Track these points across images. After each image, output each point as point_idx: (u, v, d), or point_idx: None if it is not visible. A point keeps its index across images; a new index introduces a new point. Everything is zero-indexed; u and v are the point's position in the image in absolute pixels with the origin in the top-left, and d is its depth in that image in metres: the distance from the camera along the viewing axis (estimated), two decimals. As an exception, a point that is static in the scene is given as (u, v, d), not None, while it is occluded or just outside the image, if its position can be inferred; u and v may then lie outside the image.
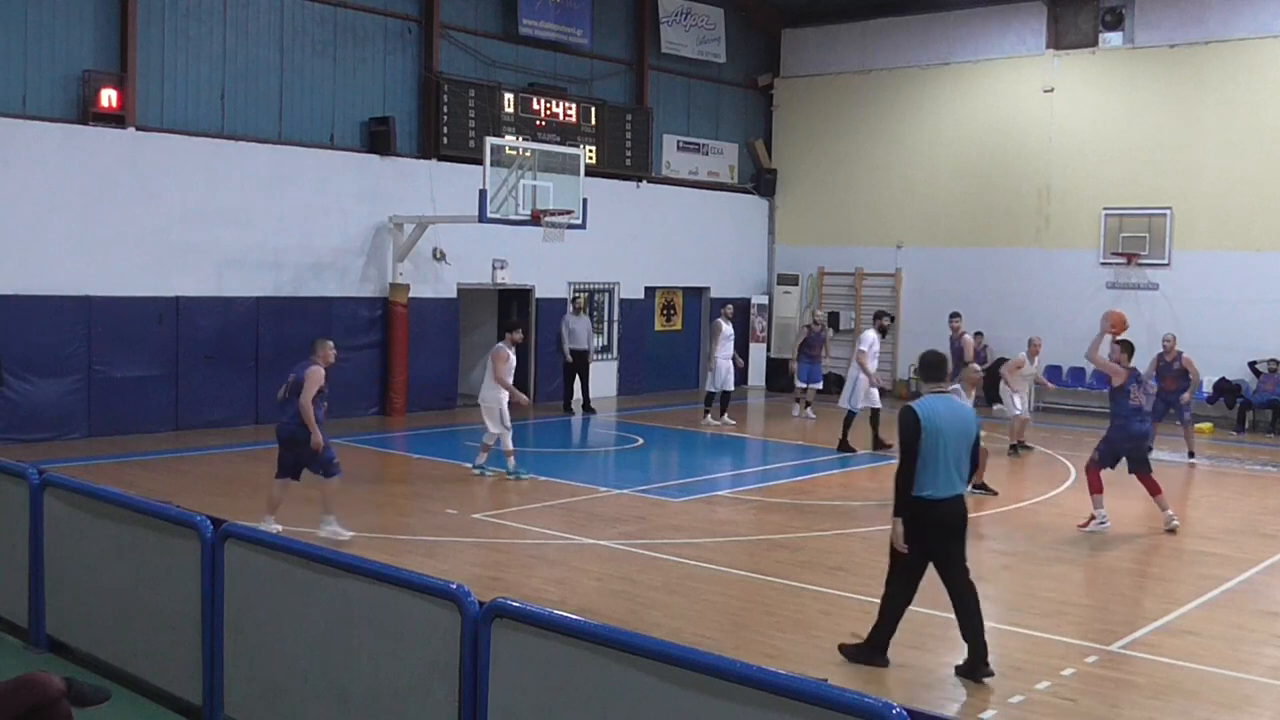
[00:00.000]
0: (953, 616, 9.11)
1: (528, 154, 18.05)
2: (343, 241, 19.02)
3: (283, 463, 10.84)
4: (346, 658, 5.39)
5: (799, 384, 21.18)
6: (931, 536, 7.59)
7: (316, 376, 10.48)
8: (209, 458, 15.23)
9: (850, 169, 25.56)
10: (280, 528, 10.44)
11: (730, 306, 20.56)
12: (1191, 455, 17.14)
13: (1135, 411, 12.07)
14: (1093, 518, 12.15)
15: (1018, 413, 17.20)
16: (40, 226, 15.76)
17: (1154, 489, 12.23)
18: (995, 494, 13.83)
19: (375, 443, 16.99)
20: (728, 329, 19.69)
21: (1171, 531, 12.04)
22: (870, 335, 17.10)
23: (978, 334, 23.37)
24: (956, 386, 10.70)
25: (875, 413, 16.82)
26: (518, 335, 14.26)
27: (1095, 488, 12.20)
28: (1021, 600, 9.76)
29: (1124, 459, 12.24)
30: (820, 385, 21.25)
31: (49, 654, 7.15)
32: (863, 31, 25.41)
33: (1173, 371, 16.92)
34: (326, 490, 10.80)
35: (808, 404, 20.93)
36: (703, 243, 25.08)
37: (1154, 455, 17.61)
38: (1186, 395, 16.98)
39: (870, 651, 7.77)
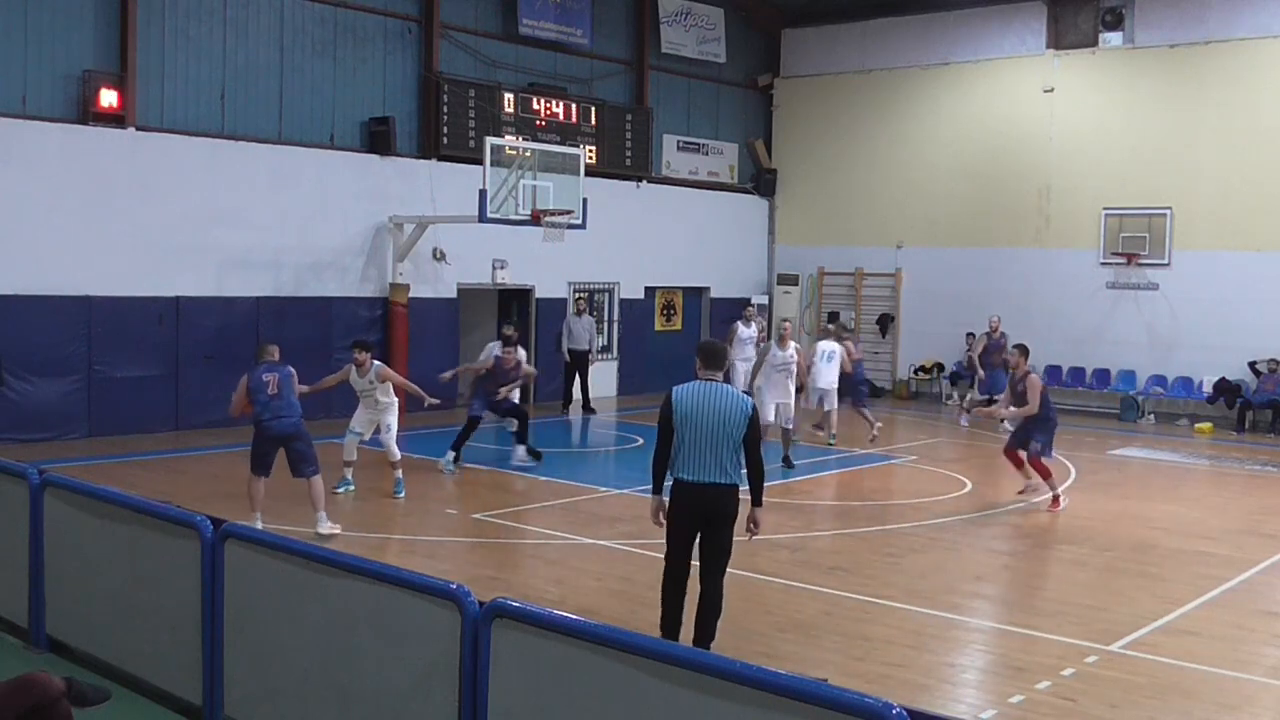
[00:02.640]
0: (952, 616, 9.15)
1: (528, 154, 18.04)
2: (343, 241, 19.02)
3: (266, 461, 10.90)
4: (346, 658, 5.39)
5: (979, 394, 20.03)
6: (690, 518, 7.56)
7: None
8: (209, 458, 15.22)
9: (850, 169, 25.56)
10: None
11: (752, 308, 20.10)
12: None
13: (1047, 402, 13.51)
14: (1026, 489, 13.52)
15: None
16: (40, 226, 15.75)
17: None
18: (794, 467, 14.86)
19: (375, 443, 16.90)
20: (745, 331, 19.59)
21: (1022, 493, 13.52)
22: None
23: (970, 334, 23.40)
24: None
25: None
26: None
27: (1045, 472, 13.29)
28: (1021, 600, 9.77)
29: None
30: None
31: (49, 654, 7.14)
32: (863, 31, 25.41)
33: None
34: (315, 488, 10.91)
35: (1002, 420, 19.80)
36: (703, 243, 25.09)
37: (1154, 455, 17.73)
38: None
39: None
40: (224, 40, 17.68)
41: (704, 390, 7.52)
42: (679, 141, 24.92)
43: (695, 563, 7.74)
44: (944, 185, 24.22)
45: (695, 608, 7.70)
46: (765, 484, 7.83)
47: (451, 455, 14.67)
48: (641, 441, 17.81)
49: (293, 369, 11.04)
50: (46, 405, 15.76)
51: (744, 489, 7.62)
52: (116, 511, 6.76)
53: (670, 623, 7.70)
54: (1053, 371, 22.83)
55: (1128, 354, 22.23)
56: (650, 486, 7.91)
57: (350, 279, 19.11)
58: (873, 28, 25.23)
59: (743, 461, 7.52)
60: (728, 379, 8.97)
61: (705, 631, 7.65)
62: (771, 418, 14.83)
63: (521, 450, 15.14)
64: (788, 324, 15.98)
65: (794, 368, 15.12)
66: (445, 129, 20.16)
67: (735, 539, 7.73)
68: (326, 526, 10.93)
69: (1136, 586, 10.07)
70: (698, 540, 7.67)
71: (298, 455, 10.83)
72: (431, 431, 15.88)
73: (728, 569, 7.78)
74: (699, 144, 25.36)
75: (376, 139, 19.31)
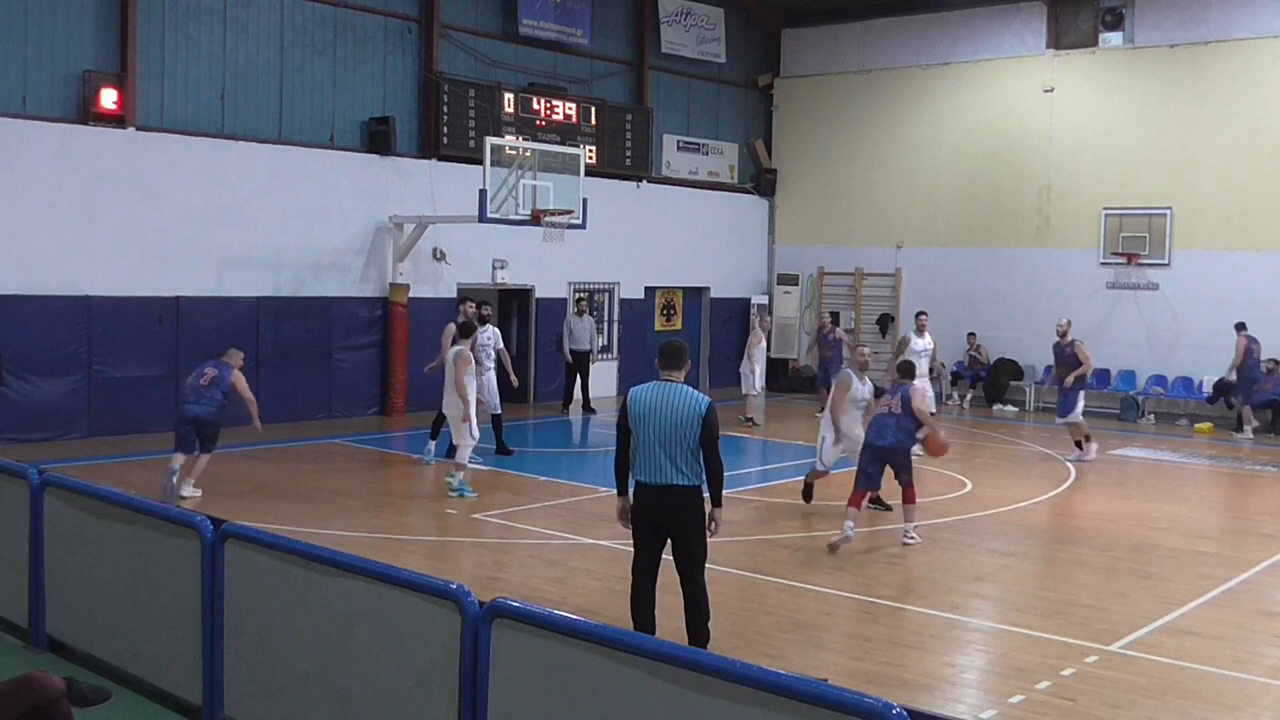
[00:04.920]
0: (952, 616, 9.15)
1: (528, 154, 18.04)
2: (343, 241, 19.02)
3: (185, 440, 12.56)
4: (346, 658, 5.39)
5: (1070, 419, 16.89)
6: (649, 522, 7.47)
7: (241, 378, 12.78)
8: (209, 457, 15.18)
9: (850, 169, 25.57)
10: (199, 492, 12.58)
11: (766, 318, 20.18)
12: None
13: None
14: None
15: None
16: (40, 226, 15.76)
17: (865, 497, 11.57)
18: (889, 509, 12.37)
19: (375, 443, 16.99)
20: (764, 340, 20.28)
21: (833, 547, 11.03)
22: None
23: (971, 334, 23.41)
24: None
25: None
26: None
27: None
28: (1021, 600, 9.76)
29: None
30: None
31: (49, 654, 7.14)
32: (863, 31, 25.42)
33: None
34: (200, 463, 12.57)
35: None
36: (703, 243, 25.09)
37: (1154, 455, 17.72)
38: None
39: None
40: (224, 40, 17.68)
41: (659, 391, 7.40)
42: (679, 141, 24.92)
43: (669, 559, 7.67)
44: (944, 185, 24.23)
45: (684, 605, 7.65)
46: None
47: (432, 446, 15.13)
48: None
49: (237, 371, 12.71)
50: (46, 405, 15.76)
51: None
52: (116, 511, 6.76)
53: (639, 625, 7.61)
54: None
55: (1128, 354, 22.23)
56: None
57: (350, 279, 19.11)
58: (873, 28, 25.24)
59: (702, 463, 7.39)
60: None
61: (698, 637, 7.57)
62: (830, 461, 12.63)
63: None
64: (865, 350, 12.82)
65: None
66: (445, 129, 20.16)
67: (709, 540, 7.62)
68: (188, 491, 12.46)
69: (1136, 586, 10.07)
70: (669, 546, 7.58)
71: (206, 437, 12.56)
72: (420, 432, 15.86)
73: (706, 566, 7.66)
74: (699, 144, 25.36)
75: (376, 139, 19.31)
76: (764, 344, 20.33)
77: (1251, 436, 19.46)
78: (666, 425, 7.28)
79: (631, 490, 7.60)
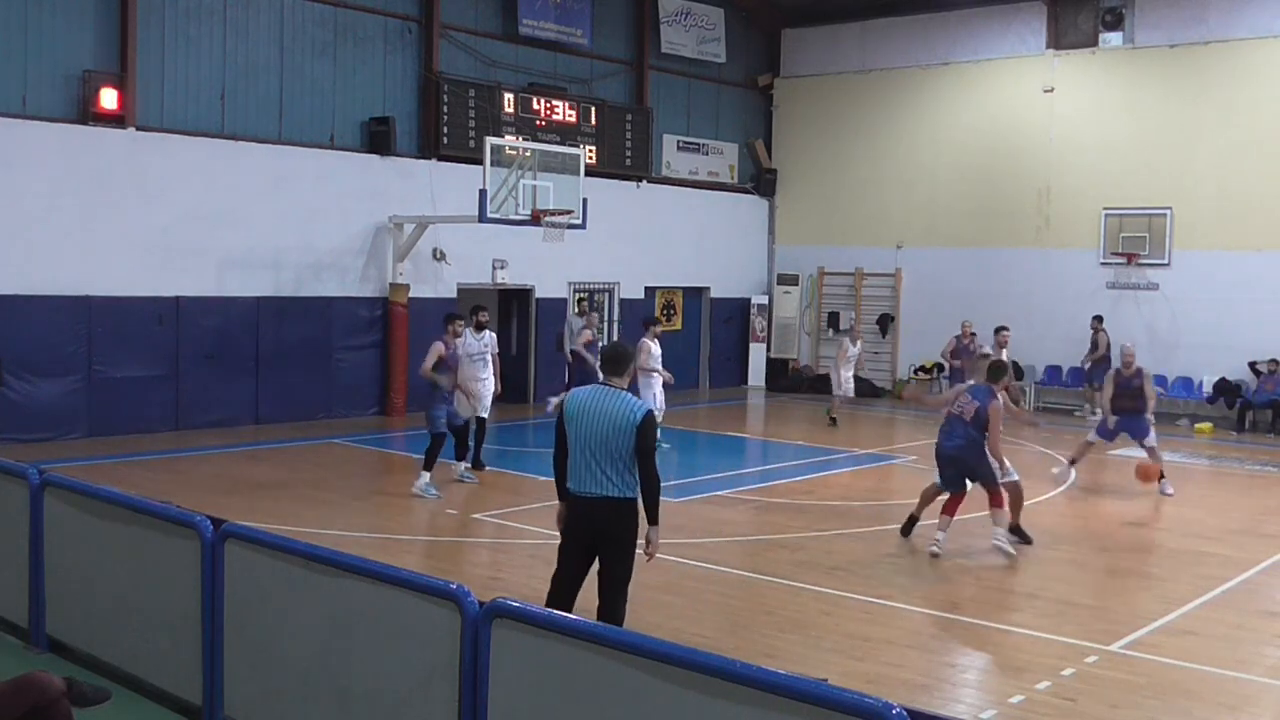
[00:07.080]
0: (952, 616, 9.15)
1: (528, 154, 18.05)
2: (343, 241, 19.02)
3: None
4: (346, 658, 5.39)
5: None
6: (577, 534, 6.95)
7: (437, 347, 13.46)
8: (209, 458, 15.22)
9: (850, 169, 25.57)
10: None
11: (858, 327, 21.09)
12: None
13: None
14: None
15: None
16: (40, 226, 15.76)
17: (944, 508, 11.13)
18: (1030, 542, 11.27)
19: (375, 443, 17.00)
20: (854, 349, 20.44)
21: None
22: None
23: (972, 334, 23.38)
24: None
25: None
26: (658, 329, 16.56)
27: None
28: (1021, 600, 9.76)
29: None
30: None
31: (49, 654, 7.14)
32: (863, 31, 25.42)
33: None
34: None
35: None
36: (703, 243, 25.09)
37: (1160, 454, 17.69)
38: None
39: None
40: (224, 40, 17.68)
41: (597, 395, 6.88)
42: (679, 141, 24.92)
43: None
44: (944, 185, 24.23)
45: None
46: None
47: (464, 466, 14.36)
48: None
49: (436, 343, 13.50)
50: (46, 405, 15.76)
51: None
52: (116, 511, 6.75)
53: None
54: (1052, 371, 22.87)
55: (1128, 354, 22.22)
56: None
57: (350, 279, 19.11)
58: (873, 28, 25.24)
59: (637, 475, 6.82)
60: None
61: None
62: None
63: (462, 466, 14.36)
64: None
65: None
66: (445, 129, 20.16)
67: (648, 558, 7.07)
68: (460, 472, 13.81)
69: (1136, 586, 10.07)
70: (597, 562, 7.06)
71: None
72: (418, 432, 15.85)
73: (628, 591, 7.06)
74: (699, 144, 25.36)
75: (376, 139, 19.32)
76: (852, 351, 20.29)
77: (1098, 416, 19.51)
78: (598, 431, 6.75)
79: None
